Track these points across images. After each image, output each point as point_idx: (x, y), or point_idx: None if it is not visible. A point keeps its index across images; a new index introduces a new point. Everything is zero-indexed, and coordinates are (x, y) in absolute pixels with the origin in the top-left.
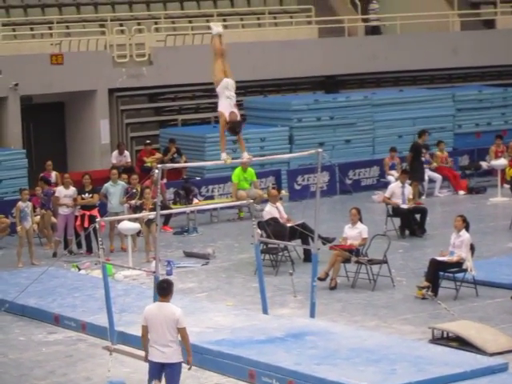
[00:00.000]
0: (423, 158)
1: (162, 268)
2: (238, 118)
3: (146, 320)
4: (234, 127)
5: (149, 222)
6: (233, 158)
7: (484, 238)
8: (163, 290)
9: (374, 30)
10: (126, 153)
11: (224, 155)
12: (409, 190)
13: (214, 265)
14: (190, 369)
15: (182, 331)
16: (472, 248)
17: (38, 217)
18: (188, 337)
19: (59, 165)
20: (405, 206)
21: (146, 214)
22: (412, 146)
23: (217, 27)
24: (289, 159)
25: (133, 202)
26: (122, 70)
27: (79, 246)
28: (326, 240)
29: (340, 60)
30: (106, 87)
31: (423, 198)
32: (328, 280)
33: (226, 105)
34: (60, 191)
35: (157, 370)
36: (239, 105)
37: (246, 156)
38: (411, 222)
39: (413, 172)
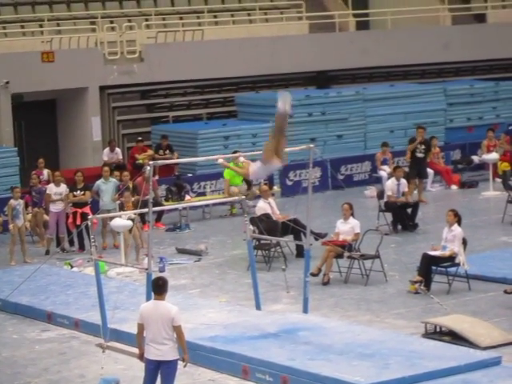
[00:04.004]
0: (420, 154)
1: (155, 265)
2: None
3: (141, 318)
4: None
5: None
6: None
7: (476, 232)
8: (159, 287)
9: None
10: (118, 150)
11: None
12: (404, 186)
13: (207, 261)
14: (185, 366)
15: (177, 329)
16: (464, 242)
17: (30, 215)
18: (184, 335)
19: (51, 162)
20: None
21: (131, 212)
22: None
23: (287, 103)
24: None
25: None
26: (113, 67)
27: (71, 243)
28: (318, 235)
29: (331, 55)
30: (97, 84)
31: (424, 193)
32: (321, 275)
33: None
34: (51, 188)
35: (153, 367)
36: (231, 101)
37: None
38: (403, 217)
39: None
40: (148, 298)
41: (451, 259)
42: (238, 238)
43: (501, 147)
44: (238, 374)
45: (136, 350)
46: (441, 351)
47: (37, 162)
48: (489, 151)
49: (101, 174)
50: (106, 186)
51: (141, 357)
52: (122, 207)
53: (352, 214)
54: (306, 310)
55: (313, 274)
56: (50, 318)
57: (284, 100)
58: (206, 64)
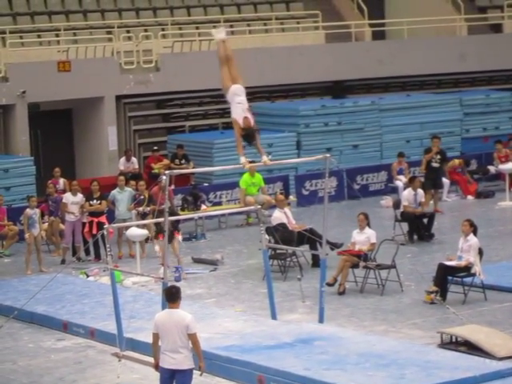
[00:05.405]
0: (436, 164)
1: (171, 274)
2: (252, 122)
3: (156, 327)
4: (248, 134)
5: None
6: (250, 162)
7: (492, 242)
8: (172, 295)
9: None
10: (134, 159)
11: (243, 159)
12: (421, 196)
13: (223, 271)
14: (201, 374)
15: (192, 337)
16: (480, 252)
17: (46, 224)
18: (199, 342)
19: (67, 172)
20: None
21: (146, 222)
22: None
23: (218, 33)
24: (297, 165)
25: (140, 208)
26: (130, 77)
27: (87, 252)
28: (334, 245)
29: (347, 65)
30: (113, 94)
31: (439, 203)
32: (336, 285)
33: (239, 111)
34: (67, 198)
35: (168, 376)
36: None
37: (265, 159)
38: (419, 227)
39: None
40: (163, 308)
41: (467, 269)
42: (254, 247)
43: None
44: (253, 383)
45: (152, 359)
46: (456, 361)
47: (53, 172)
48: (501, 162)
49: (117, 183)
50: (122, 196)
51: (156, 367)
52: (145, 215)
53: (368, 224)
54: (321, 320)
55: (328, 284)
56: (65, 327)
57: (216, 31)
58: None
